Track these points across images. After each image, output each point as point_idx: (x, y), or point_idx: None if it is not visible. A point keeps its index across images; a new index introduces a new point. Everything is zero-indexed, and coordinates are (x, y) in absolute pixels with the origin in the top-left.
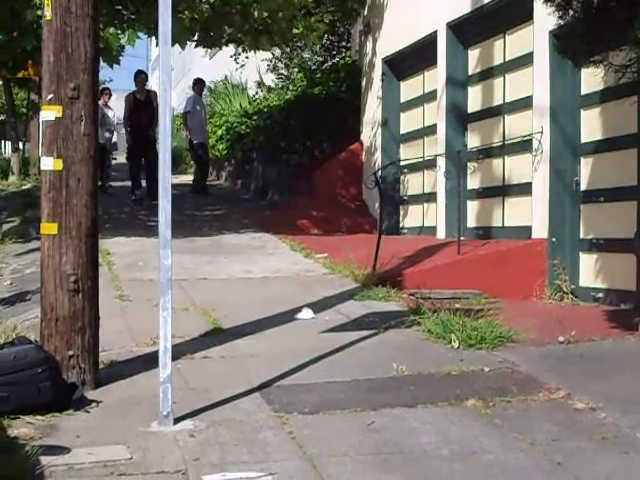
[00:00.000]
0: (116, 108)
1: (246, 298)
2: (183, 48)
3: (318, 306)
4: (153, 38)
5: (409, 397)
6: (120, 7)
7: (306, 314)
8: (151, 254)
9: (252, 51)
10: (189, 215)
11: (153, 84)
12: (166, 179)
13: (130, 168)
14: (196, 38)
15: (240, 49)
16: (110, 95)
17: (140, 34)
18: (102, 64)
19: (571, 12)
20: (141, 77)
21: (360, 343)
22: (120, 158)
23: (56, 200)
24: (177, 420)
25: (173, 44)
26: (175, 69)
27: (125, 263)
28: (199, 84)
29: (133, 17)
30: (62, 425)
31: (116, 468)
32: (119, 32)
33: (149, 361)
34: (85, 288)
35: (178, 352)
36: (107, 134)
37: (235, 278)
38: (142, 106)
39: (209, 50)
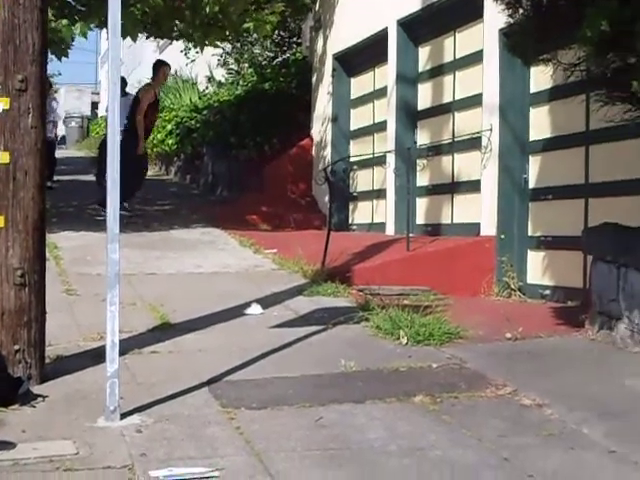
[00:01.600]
0: (63, 101)
1: (195, 293)
2: (134, 41)
3: (267, 302)
4: (104, 32)
5: (357, 393)
6: None
7: (255, 309)
8: (99, 248)
9: (203, 46)
10: (138, 210)
11: (102, 78)
12: (115, 173)
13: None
14: (146, 32)
15: (191, 44)
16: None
17: (92, 26)
18: (50, 56)
19: (521, 10)
20: (165, 68)
21: (309, 339)
22: (70, 151)
23: (2, 193)
24: (124, 415)
25: (124, 37)
26: (125, 63)
27: (73, 257)
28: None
29: (83, 9)
30: (7, 420)
31: (62, 463)
32: (70, 24)
33: (96, 356)
34: (32, 282)
35: (126, 347)
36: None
37: (184, 273)
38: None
39: (159, 44)
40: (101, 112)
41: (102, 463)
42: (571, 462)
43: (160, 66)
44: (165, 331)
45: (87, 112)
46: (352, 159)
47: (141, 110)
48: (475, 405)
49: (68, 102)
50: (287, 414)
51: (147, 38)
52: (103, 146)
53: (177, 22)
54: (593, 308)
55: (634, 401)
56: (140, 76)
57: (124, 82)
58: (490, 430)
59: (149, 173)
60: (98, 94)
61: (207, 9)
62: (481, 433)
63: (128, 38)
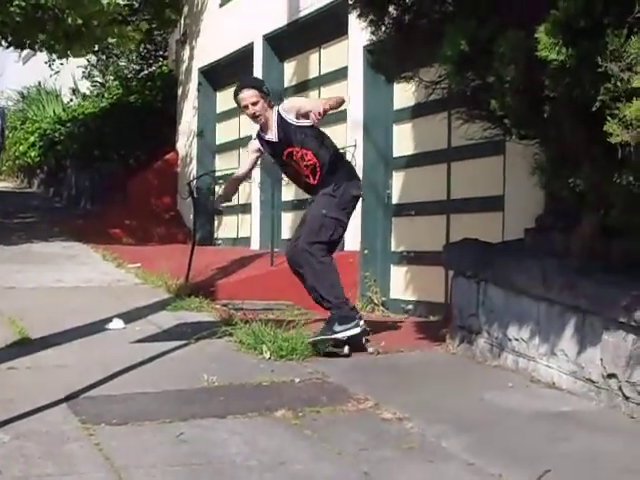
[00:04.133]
0: None
1: (56, 308)
2: None
3: (129, 316)
4: None
5: (219, 408)
6: None
7: (117, 324)
8: None
9: (65, 58)
10: None
11: None
12: None
13: None
14: (8, 42)
15: (54, 55)
16: None
17: None
18: None
19: (383, 28)
20: None
21: (171, 354)
22: None
23: None
24: None
25: None
26: None
27: None
28: None
29: None
30: None
31: None
32: None
33: None
34: None
35: None
36: None
37: (45, 287)
38: None
39: (23, 54)
40: None
41: None
42: (430, 475)
43: None
44: (24, 346)
45: None
46: (217, 173)
47: None
48: (336, 419)
49: None
50: (148, 430)
51: (7, 47)
52: None
53: (39, 33)
54: (454, 322)
55: (491, 414)
56: (3, 86)
57: None
58: (351, 444)
59: (10, 185)
60: None
61: (69, 20)
62: (342, 447)
63: None
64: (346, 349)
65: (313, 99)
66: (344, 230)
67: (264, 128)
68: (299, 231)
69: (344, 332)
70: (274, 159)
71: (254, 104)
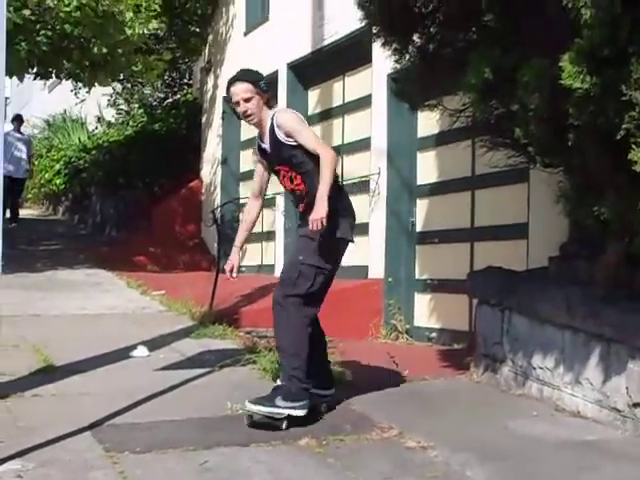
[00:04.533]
0: None
1: (80, 335)
2: (21, 80)
3: (153, 344)
4: None
5: (243, 436)
6: None
7: (141, 352)
8: None
9: (91, 86)
10: (22, 250)
11: None
12: None
13: None
14: (35, 71)
15: (80, 84)
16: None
17: None
18: None
19: (407, 56)
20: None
21: (195, 381)
22: None
23: None
24: (3, 460)
25: (11, 76)
26: (13, 102)
27: None
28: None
29: None
30: None
31: None
32: None
33: None
34: None
35: (7, 390)
36: None
37: (69, 315)
38: None
39: (48, 83)
40: None
41: None
42: None
43: None
44: (48, 374)
45: None
46: (242, 201)
47: None
48: (360, 447)
49: None
50: (172, 458)
51: (35, 79)
52: None
53: (65, 62)
54: (478, 351)
55: (516, 443)
56: (29, 114)
57: (21, 120)
58: (375, 473)
59: (35, 213)
60: None
61: (95, 50)
62: (366, 475)
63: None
64: (284, 425)
65: (307, 131)
66: (329, 278)
67: (260, 133)
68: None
69: (285, 410)
70: (271, 171)
71: (247, 100)
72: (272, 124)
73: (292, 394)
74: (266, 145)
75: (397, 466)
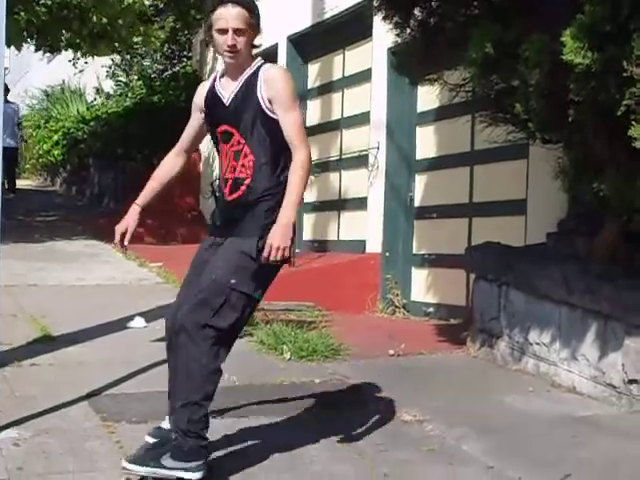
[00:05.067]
0: None
1: (78, 305)
2: (19, 50)
3: (151, 315)
4: None
5: (239, 407)
6: None
7: (138, 323)
8: None
9: (91, 57)
10: (20, 220)
11: None
12: None
13: None
14: (34, 41)
15: (79, 54)
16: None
17: None
18: None
19: (408, 30)
20: None
21: None
22: None
23: None
24: (1, 429)
25: (8, 45)
26: (12, 72)
27: None
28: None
29: None
30: None
31: None
32: None
33: None
34: None
35: (5, 359)
36: None
37: (67, 285)
38: None
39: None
40: None
41: None
42: (450, 477)
43: None
44: (46, 343)
45: None
46: None
47: None
48: (355, 420)
49: None
50: None
51: (36, 51)
52: None
53: (64, 32)
54: (475, 326)
55: (512, 418)
56: (27, 85)
57: (7, 90)
58: (371, 445)
59: (33, 184)
60: None
61: (94, 19)
62: (362, 448)
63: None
64: None
65: (298, 112)
66: (253, 310)
67: (225, 76)
68: (188, 288)
69: (174, 471)
70: (209, 129)
71: (239, 33)
72: (255, 75)
73: (184, 453)
74: (227, 94)
75: (393, 439)
